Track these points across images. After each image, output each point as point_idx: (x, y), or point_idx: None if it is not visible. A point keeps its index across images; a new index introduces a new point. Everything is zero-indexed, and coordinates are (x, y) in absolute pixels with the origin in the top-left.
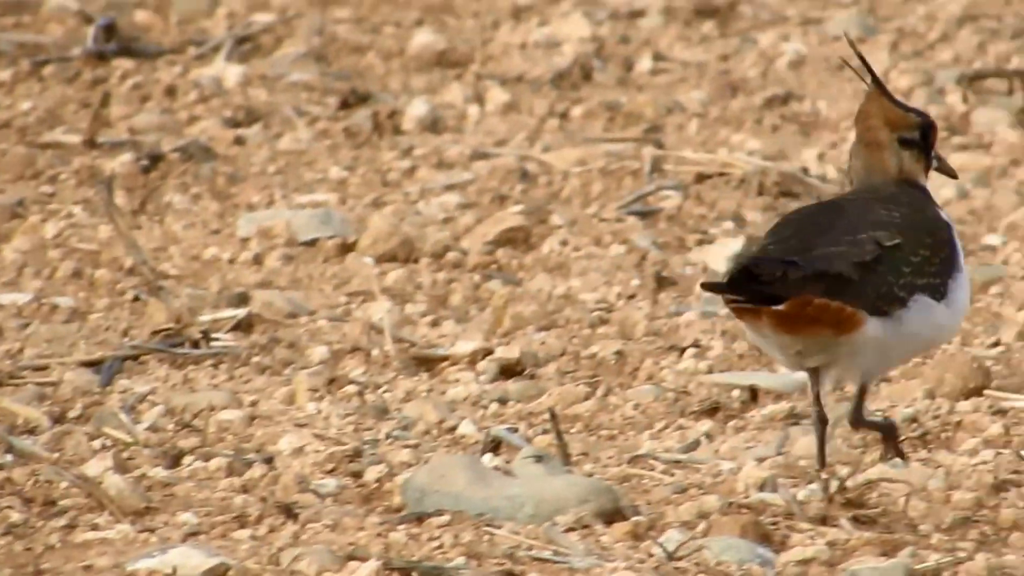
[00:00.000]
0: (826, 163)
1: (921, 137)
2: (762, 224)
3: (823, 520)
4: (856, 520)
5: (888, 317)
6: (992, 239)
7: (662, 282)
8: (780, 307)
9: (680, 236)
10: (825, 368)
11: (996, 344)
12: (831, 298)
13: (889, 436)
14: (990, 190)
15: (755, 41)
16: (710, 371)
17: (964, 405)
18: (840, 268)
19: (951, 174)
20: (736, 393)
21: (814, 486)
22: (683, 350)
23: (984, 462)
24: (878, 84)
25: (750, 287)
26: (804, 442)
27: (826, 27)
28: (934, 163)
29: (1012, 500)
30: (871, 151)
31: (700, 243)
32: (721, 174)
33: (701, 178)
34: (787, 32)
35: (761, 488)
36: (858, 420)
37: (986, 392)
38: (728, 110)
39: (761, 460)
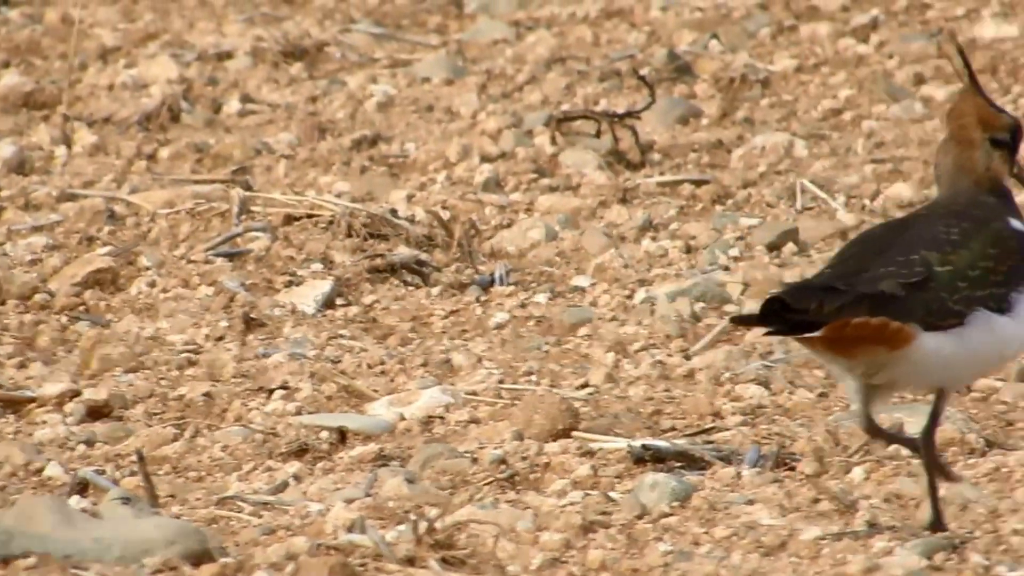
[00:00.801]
0: (415, 204)
1: (1012, 138)
2: (350, 266)
3: (412, 561)
4: (445, 561)
5: (945, 332)
6: (580, 280)
7: (251, 324)
8: (816, 334)
9: (268, 278)
10: (893, 384)
11: (584, 386)
12: (873, 315)
13: (935, 466)
14: (579, 231)
15: (344, 83)
16: (299, 412)
17: (553, 446)
18: (883, 288)
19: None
20: (324, 435)
21: (403, 527)
22: (271, 391)
23: (572, 503)
24: (973, 82)
25: (785, 317)
26: (392, 483)
27: (415, 69)
28: (1015, 167)
29: (600, 541)
30: (962, 149)
31: (288, 285)
32: (310, 216)
33: (290, 220)
34: (375, 74)
35: (350, 529)
36: (927, 441)
37: (574, 434)
38: (317, 152)
39: (350, 501)
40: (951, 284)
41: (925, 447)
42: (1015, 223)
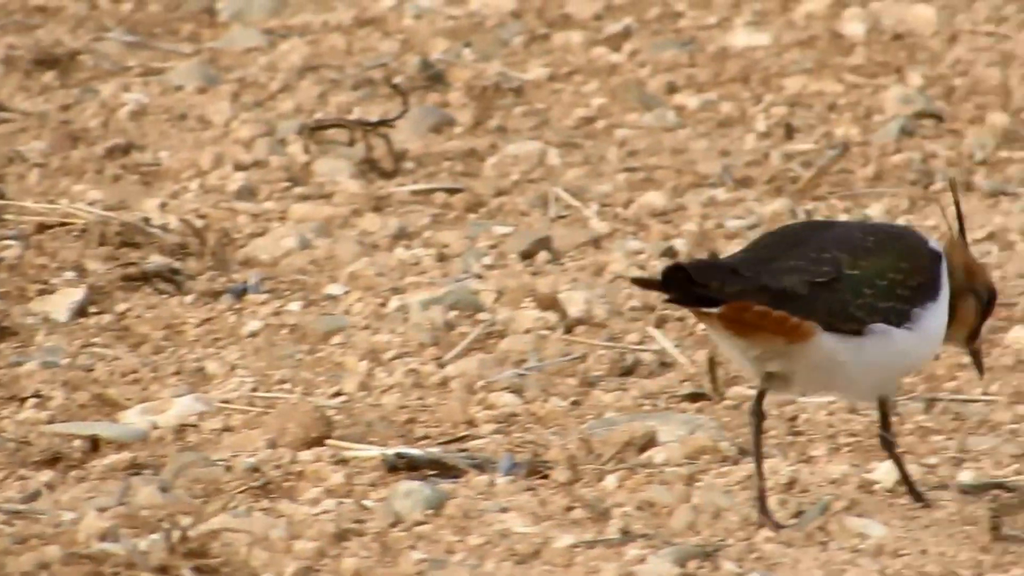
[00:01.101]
0: (168, 213)
1: (987, 302)
2: (103, 274)
3: (165, 570)
4: (199, 570)
5: (844, 336)
6: (334, 289)
7: (3, 332)
8: (715, 310)
9: (21, 286)
10: (788, 377)
11: (338, 394)
12: (777, 308)
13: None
14: (332, 239)
15: (96, 91)
16: (51, 421)
17: (306, 455)
18: (786, 284)
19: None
20: (77, 443)
21: (156, 536)
22: (24, 400)
23: (326, 511)
24: (962, 232)
25: (688, 288)
26: (146, 491)
27: (168, 77)
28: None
29: (354, 549)
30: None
31: (41, 293)
32: (63, 224)
33: (42, 228)
34: (128, 82)
35: (103, 538)
36: (886, 439)
37: (328, 442)
38: (69, 160)
39: (102, 510)
40: (857, 289)
41: (886, 441)
42: (934, 243)
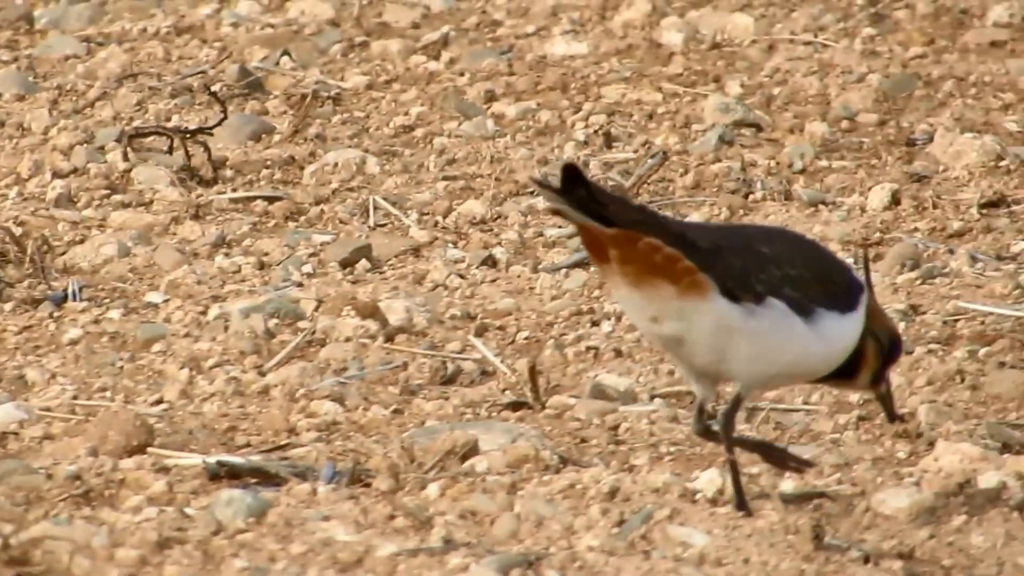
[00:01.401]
0: None
1: (890, 352)
2: None
3: None
4: None
5: (740, 304)
6: (154, 297)
7: None
8: (607, 230)
9: None
10: (685, 349)
11: (159, 402)
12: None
13: (769, 456)
14: (152, 247)
15: None
16: None
17: (128, 463)
18: (689, 234)
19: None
20: None
21: None
22: None
23: (148, 519)
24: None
25: (586, 205)
26: None
27: None
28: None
29: (176, 557)
30: None
31: None
32: None
33: None
34: None
35: None
36: (727, 429)
37: (149, 450)
38: None
39: None
40: (763, 266)
41: (723, 431)
42: (858, 277)
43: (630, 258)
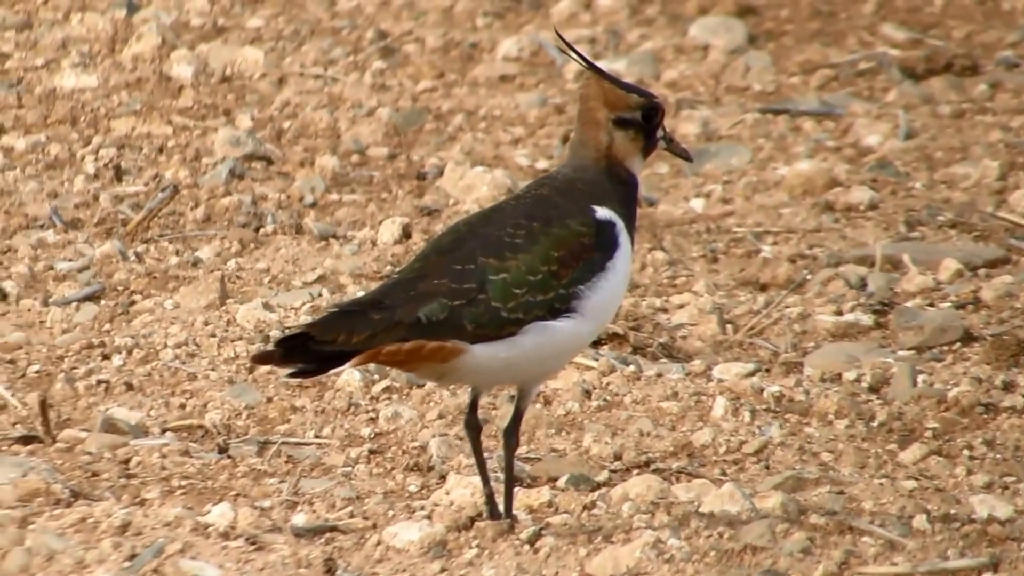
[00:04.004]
0: None
1: (643, 118)
2: None
3: None
4: None
5: (500, 340)
6: None
7: None
8: (346, 366)
9: None
10: (473, 383)
11: None
12: (412, 339)
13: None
14: None
15: None
16: None
17: None
18: (426, 313)
19: (684, 155)
20: None
21: None
22: None
23: None
24: (594, 68)
25: (313, 350)
26: None
27: None
28: (661, 144)
29: None
30: (584, 129)
31: None
32: None
33: None
34: None
35: None
36: (512, 434)
37: None
38: None
39: None
40: (505, 293)
41: (508, 442)
42: (601, 212)
43: (390, 363)
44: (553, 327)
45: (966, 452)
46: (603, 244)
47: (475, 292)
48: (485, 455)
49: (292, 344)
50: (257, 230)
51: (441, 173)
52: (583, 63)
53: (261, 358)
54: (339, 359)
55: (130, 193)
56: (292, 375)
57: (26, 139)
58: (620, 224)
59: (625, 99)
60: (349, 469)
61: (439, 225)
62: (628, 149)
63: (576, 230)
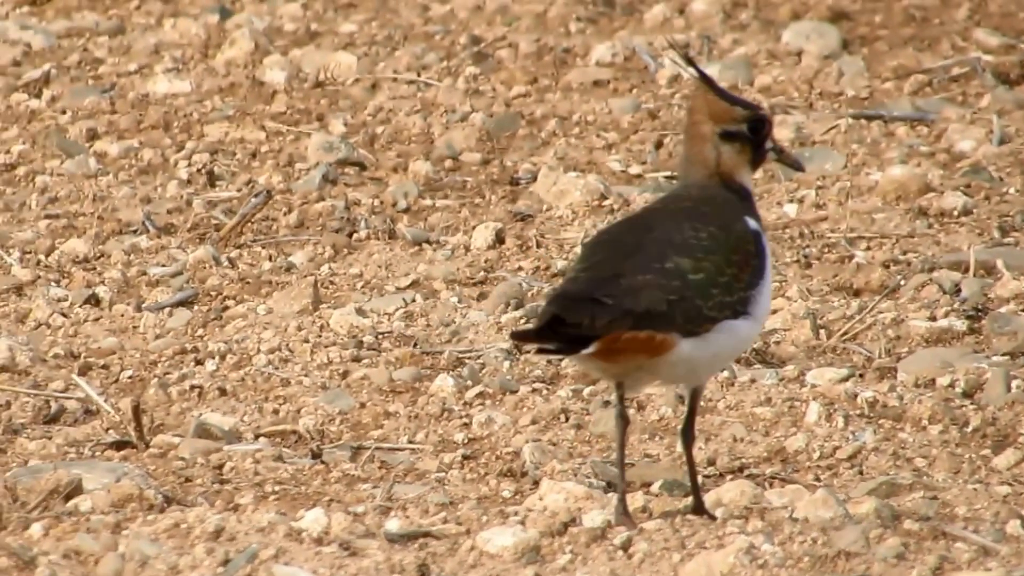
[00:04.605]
0: None
1: (750, 131)
2: None
3: None
4: None
5: (698, 337)
6: None
7: None
8: (590, 349)
9: None
10: (640, 382)
11: None
12: (640, 329)
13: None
14: None
15: None
16: None
17: None
18: (648, 305)
19: (795, 166)
20: None
21: None
22: None
23: None
24: (704, 78)
25: (560, 332)
26: None
27: None
28: (771, 156)
29: None
30: (692, 143)
31: None
32: None
33: None
34: None
35: None
36: (688, 432)
37: None
38: None
39: None
40: (705, 292)
41: (686, 440)
42: (751, 222)
43: (609, 354)
44: (738, 326)
45: None
46: (760, 251)
47: (682, 289)
48: (579, 460)
49: (548, 324)
50: (350, 235)
51: (534, 178)
52: (695, 73)
53: (520, 335)
54: (581, 342)
55: (223, 198)
56: (539, 351)
57: (119, 144)
58: (764, 234)
59: (730, 112)
60: (442, 475)
61: (532, 230)
62: (736, 162)
63: (744, 236)
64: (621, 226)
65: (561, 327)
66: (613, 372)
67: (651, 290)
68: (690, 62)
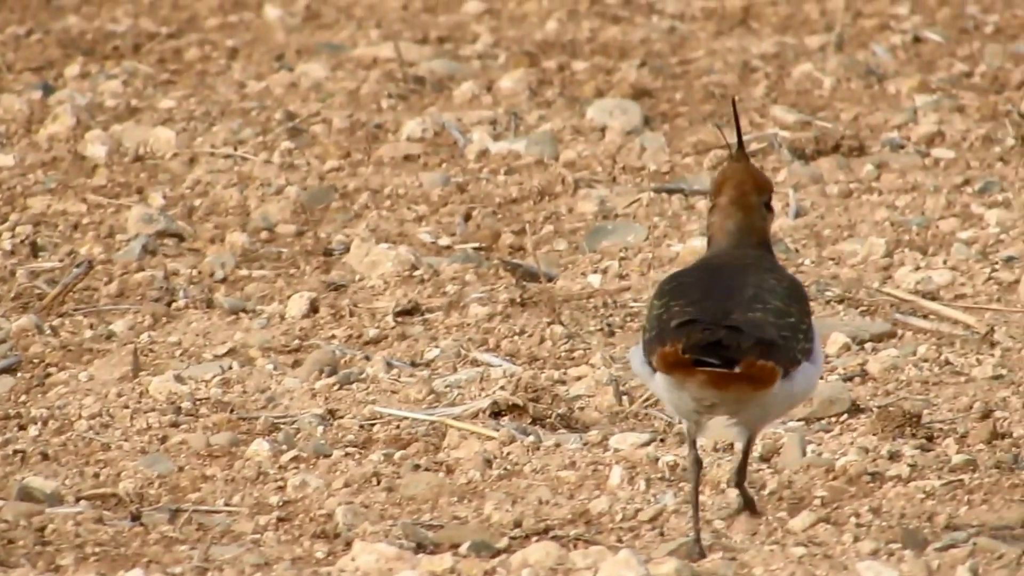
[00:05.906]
0: None
1: (769, 199)
2: None
3: None
4: None
5: (787, 377)
6: None
7: None
8: (736, 369)
9: None
10: (714, 418)
11: None
12: (767, 359)
13: (751, 508)
14: None
15: None
16: None
17: None
18: (772, 337)
19: None
20: None
21: None
22: None
23: None
24: (743, 152)
25: (719, 352)
26: None
27: None
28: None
29: None
30: (742, 214)
31: None
32: None
33: None
34: None
35: None
36: (741, 477)
37: None
38: None
39: None
40: (797, 334)
41: (739, 480)
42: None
43: (737, 380)
44: (811, 371)
45: (853, 519)
46: (808, 301)
47: (785, 329)
48: (390, 522)
49: (703, 343)
50: (169, 304)
51: (347, 249)
52: (738, 149)
53: (694, 348)
54: (729, 363)
55: (46, 269)
56: (699, 364)
57: None
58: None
59: (769, 183)
60: (258, 536)
61: (345, 300)
62: (768, 227)
63: (797, 284)
64: (697, 272)
65: (719, 349)
66: (717, 400)
67: (769, 326)
68: (740, 140)
